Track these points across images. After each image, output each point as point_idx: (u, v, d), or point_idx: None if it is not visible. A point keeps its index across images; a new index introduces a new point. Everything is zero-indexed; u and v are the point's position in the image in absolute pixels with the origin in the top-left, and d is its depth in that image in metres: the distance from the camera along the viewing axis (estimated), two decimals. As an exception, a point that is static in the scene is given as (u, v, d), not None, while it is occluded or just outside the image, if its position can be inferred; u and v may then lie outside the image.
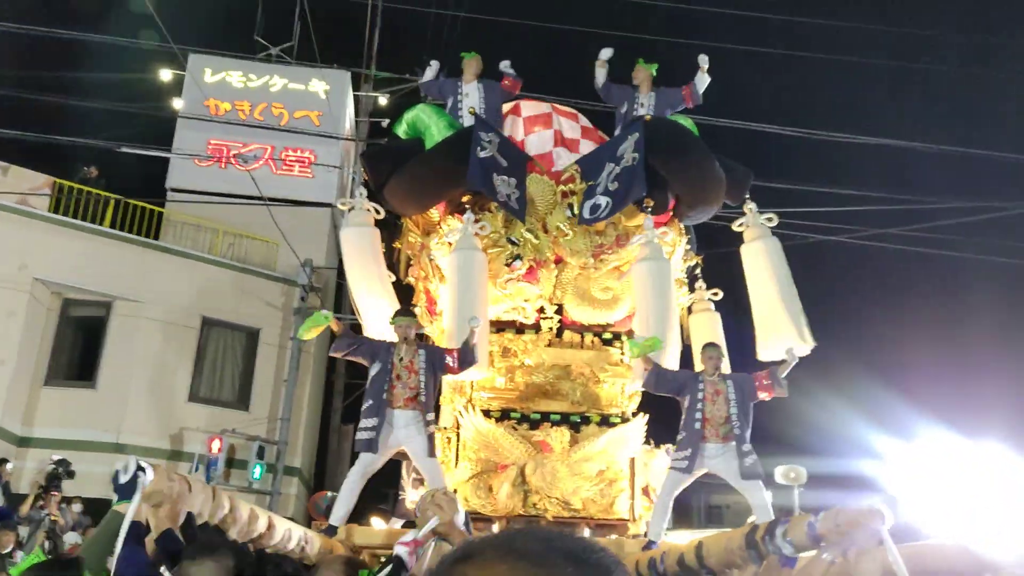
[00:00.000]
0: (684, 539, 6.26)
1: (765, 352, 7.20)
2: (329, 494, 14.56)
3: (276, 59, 19.10)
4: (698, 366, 7.07)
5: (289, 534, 4.61)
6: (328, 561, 3.15)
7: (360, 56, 18.21)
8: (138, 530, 2.83)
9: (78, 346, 15.96)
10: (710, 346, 6.74)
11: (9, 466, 12.51)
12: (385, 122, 17.87)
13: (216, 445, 14.89)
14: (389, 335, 6.84)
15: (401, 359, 6.48)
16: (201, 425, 15.50)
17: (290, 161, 17.79)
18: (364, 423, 6.42)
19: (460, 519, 3.27)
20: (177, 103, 17.86)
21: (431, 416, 6.49)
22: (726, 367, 7.37)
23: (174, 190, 17.58)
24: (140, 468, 2.62)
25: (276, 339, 16.75)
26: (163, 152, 16.72)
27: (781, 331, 7.03)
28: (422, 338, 7.48)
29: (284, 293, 17.01)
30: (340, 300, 17.05)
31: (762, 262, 7.16)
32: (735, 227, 7.35)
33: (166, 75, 17.94)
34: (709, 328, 8.26)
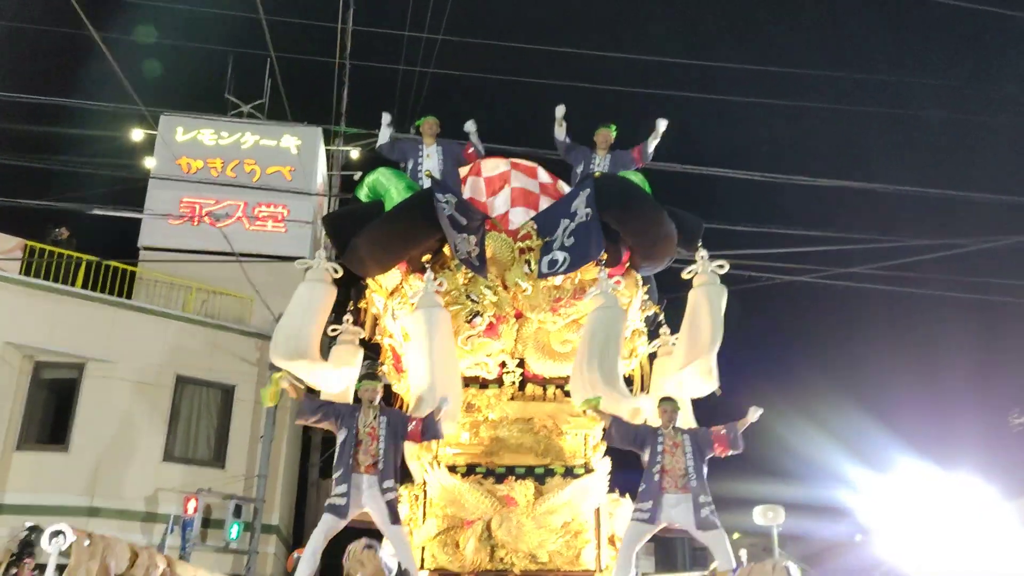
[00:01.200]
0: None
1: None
2: (296, 555, 14.58)
3: (247, 116, 19.43)
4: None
5: None
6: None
7: (330, 111, 18.57)
8: None
9: (50, 409, 15.91)
10: (665, 400, 6.96)
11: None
12: (357, 175, 18.20)
13: (192, 505, 14.81)
14: (328, 389, 7.04)
15: (365, 424, 6.60)
16: (176, 485, 15.45)
17: (263, 216, 18.03)
18: (336, 489, 6.53)
19: (387, 566, 3.40)
20: (149, 162, 18.12)
21: (389, 483, 6.51)
22: (690, 418, 7.61)
23: (147, 248, 17.72)
24: (60, 532, 2.75)
25: (251, 395, 16.78)
26: (134, 213, 16.91)
27: (696, 370, 7.24)
28: (389, 401, 7.61)
29: (259, 348, 17.08)
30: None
31: (699, 303, 7.36)
32: (684, 275, 7.61)
33: (137, 135, 18.19)
34: (672, 370, 8.44)
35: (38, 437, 15.55)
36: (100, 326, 15.61)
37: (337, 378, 7.70)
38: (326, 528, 6.47)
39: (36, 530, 12.03)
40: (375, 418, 6.66)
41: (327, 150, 19.90)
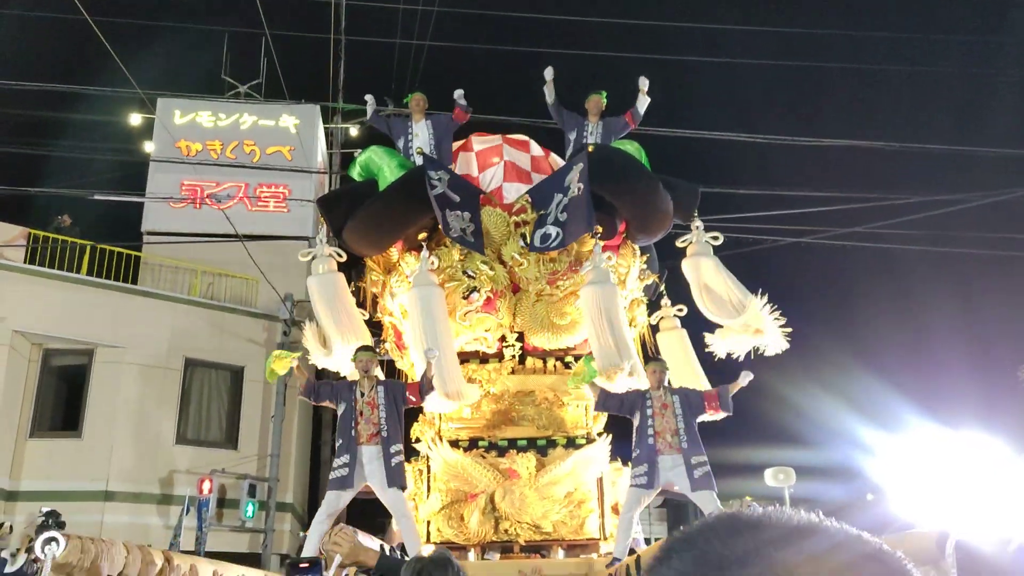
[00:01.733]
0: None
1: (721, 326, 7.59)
2: (301, 534, 14.77)
3: (245, 97, 19.41)
4: (677, 383, 7.39)
5: None
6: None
7: (327, 89, 18.52)
8: None
9: (61, 396, 16.15)
10: (654, 360, 7.06)
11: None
12: (357, 152, 18.19)
13: (206, 486, 15.04)
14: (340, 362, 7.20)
15: (363, 394, 6.72)
16: (190, 467, 15.69)
17: (264, 197, 18.08)
18: (337, 461, 6.72)
19: (366, 541, 3.49)
20: (148, 147, 18.16)
21: (395, 448, 6.67)
22: (703, 381, 7.74)
23: (150, 233, 17.82)
24: (53, 539, 2.79)
25: (260, 376, 16.86)
26: (137, 197, 16.99)
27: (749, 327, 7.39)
28: (394, 375, 7.73)
29: (266, 329, 17.24)
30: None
31: (699, 274, 7.48)
32: (679, 244, 7.65)
33: (135, 119, 18.23)
34: (677, 345, 8.57)
35: (51, 424, 15.79)
36: (107, 312, 15.76)
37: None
38: (328, 507, 6.62)
39: (53, 515, 12.24)
40: (372, 388, 6.78)
41: (326, 128, 19.89)
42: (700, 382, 8.14)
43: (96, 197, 15.31)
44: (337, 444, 6.85)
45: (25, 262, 15.71)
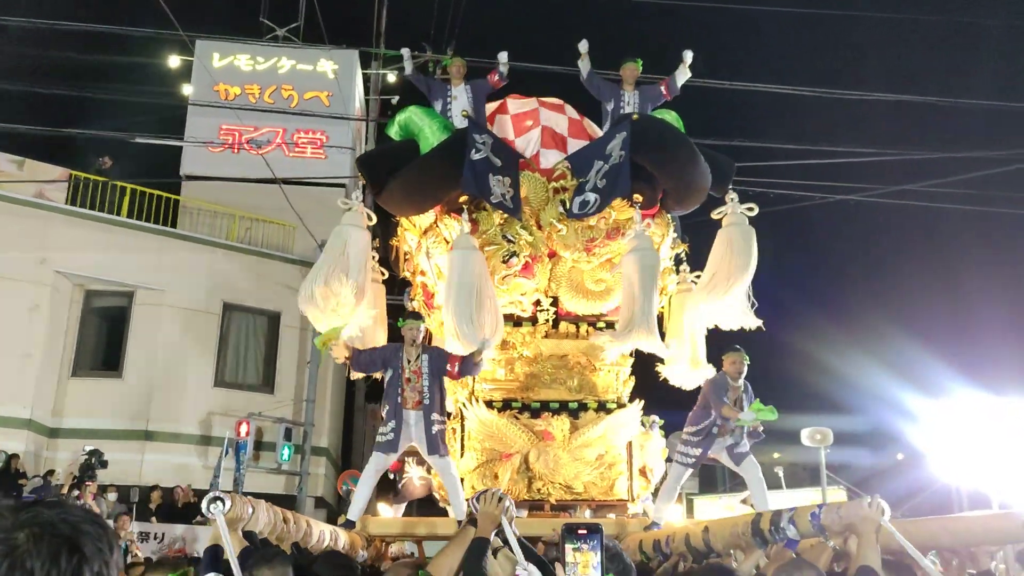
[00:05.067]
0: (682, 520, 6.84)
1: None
2: (344, 487, 15.32)
3: (283, 40, 19.60)
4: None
5: (323, 534, 5.25)
6: (395, 568, 3.57)
7: (367, 34, 18.66)
8: (218, 553, 3.12)
9: (102, 336, 16.79)
10: (737, 351, 7.19)
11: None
12: (395, 99, 18.41)
13: (244, 429, 15.58)
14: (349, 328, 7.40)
15: (410, 362, 7.00)
16: (228, 409, 16.30)
17: (302, 143, 18.39)
18: (384, 427, 7.00)
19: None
20: (187, 90, 18.48)
21: (436, 416, 6.97)
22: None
23: (188, 177, 18.23)
24: (217, 498, 3.06)
25: (297, 322, 17.42)
26: (176, 140, 17.37)
27: (730, 307, 7.56)
28: (429, 340, 7.99)
29: (303, 275, 17.48)
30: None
31: (729, 244, 7.60)
32: (714, 215, 7.82)
33: (174, 62, 18.53)
34: (689, 308, 8.72)
35: (92, 364, 16.47)
36: (147, 255, 16.28)
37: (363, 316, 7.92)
38: (376, 466, 7.02)
39: (96, 454, 12.83)
40: (418, 357, 7.05)
41: (364, 74, 20.05)
42: (698, 349, 8.32)
43: (137, 140, 15.66)
44: (384, 410, 7.12)
45: (67, 203, 16.17)
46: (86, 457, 12.71)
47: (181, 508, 13.98)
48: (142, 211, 16.79)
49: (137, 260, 16.17)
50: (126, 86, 17.73)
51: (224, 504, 3.01)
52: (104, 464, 12.84)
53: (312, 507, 16.77)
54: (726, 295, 7.40)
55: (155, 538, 12.97)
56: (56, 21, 15.95)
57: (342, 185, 18.76)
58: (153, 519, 13.47)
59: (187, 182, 18.24)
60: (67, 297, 16.13)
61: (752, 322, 7.65)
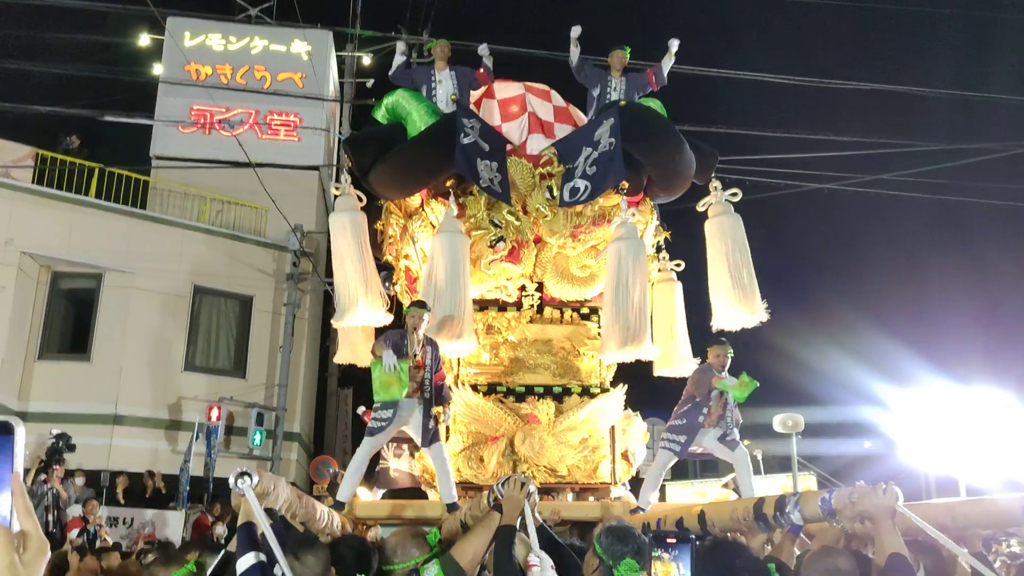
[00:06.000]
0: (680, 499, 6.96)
1: (719, 321, 7.94)
2: (331, 469, 15.36)
3: (256, 20, 19.42)
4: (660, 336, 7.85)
5: (323, 514, 5.30)
6: (401, 536, 3.52)
7: (340, 15, 18.56)
8: (252, 531, 3.09)
9: (70, 319, 16.59)
10: (722, 344, 7.37)
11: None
12: (370, 82, 18.33)
13: (215, 413, 15.51)
14: (362, 318, 7.49)
15: (414, 353, 6.95)
16: (199, 394, 16.23)
17: (275, 125, 18.26)
18: (380, 413, 6.95)
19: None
20: (157, 69, 18.27)
21: (433, 411, 7.00)
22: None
23: (159, 158, 18.04)
24: (245, 473, 3.04)
25: (269, 306, 17.41)
26: (146, 120, 17.17)
27: (735, 303, 7.75)
28: (399, 317, 8.02)
29: (275, 259, 17.62)
30: (331, 265, 17.63)
31: (720, 237, 7.81)
32: (699, 207, 7.99)
33: (145, 40, 18.30)
34: (669, 297, 8.92)
35: (59, 347, 16.28)
36: (117, 236, 16.11)
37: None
38: (369, 448, 7.04)
39: (63, 437, 12.72)
40: (421, 347, 7.04)
41: (338, 56, 19.94)
42: (680, 339, 8.50)
43: (106, 119, 15.46)
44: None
45: (33, 183, 15.93)
46: (53, 441, 12.60)
47: (150, 494, 13.91)
48: (111, 192, 16.60)
49: (106, 242, 15.99)
50: (95, 64, 17.47)
51: (252, 479, 3.03)
52: (72, 448, 12.73)
53: (284, 492, 16.76)
54: (740, 291, 7.60)
55: (124, 523, 12.93)
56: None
57: (315, 168, 18.70)
58: (121, 503, 13.40)
59: (157, 162, 18.03)
60: (33, 279, 15.94)
61: (762, 316, 7.85)
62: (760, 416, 16.53)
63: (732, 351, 7.33)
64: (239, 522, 3.14)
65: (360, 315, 7.80)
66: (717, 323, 7.96)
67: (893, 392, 17.68)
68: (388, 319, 8.10)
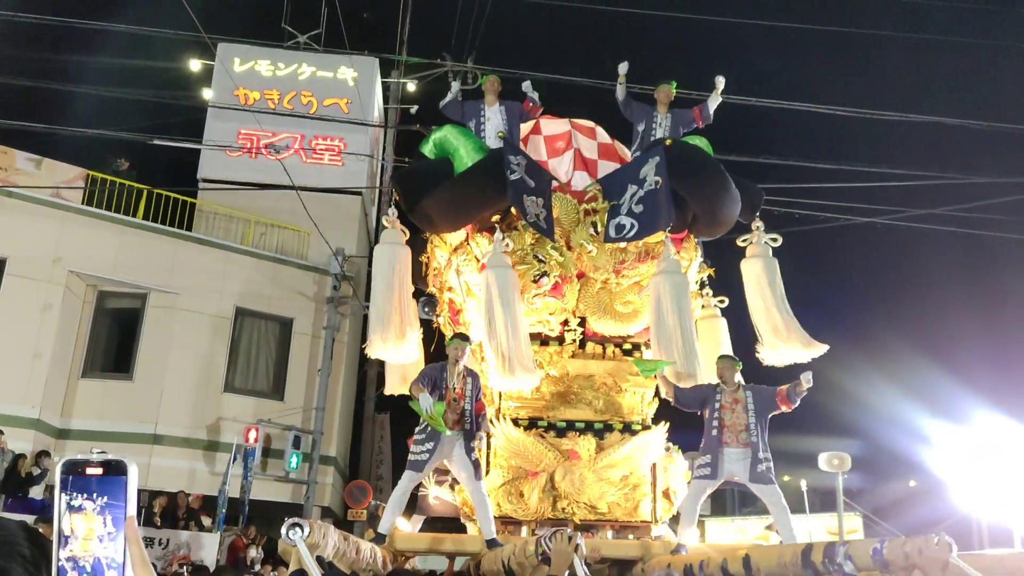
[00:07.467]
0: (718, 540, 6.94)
1: (771, 356, 8.08)
2: (373, 502, 15.47)
3: (304, 47, 19.85)
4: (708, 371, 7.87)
5: (365, 552, 5.42)
6: None
7: (387, 42, 18.89)
8: None
9: (114, 338, 16.94)
10: (726, 357, 7.47)
11: (55, 459, 13.46)
12: (414, 108, 18.63)
13: (252, 435, 15.77)
14: (393, 349, 7.63)
15: (453, 386, 7.10)
16: (237, 415, 16.46)
17: (320, 150, 18.60)
18: (420, 447, 7.08)
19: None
20: (207, 93, 18.71)
21: (474, 443, 7.13)
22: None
23: (205, 180, 18.43)
24: (296, 525, 3.16)
25: (309, 329, 17.65)
26: (194, 144, 17.56)
27: (772, 347, 7.84)
28: (441, 350, 8.17)
29: (316, 282, 17.89)
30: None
31: (755, 281, 7.92)
32: (740, 242, 8.07)
33: (195, 65, 18.77)
34: (714, 333, 9.02)
35: (103, 365, 16.61)
36: (162, 257, 16.47)
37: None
38: (409, 482, 7.15)
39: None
40: (461, 378, 7.17)
41: (384, 82, 20.28)
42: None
43: (155, 142, 15.86)
44: (420, 426, 7.17)
45: (83, 203, 16.34)
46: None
47: (183, 514, 14.06)
48: (158, 213, 16.98)
49: (152, 262, 16.34)
50: (146, 88, 17.96)
51: (303, 530, 3.15)
52: (110, 465, 12.92)
53: (319, 517, 16.91)
54: (775, 333, 7.67)
55: (159, 544, 13.13)
56: (70, 19, 16.20)
57: (358, 193, 18.98)
58: (158, 524, 13.58)
59: (204, 184, 18.42)
60: (80, 297, 16.29)
61: (817, 350, 7.92)
62: (805, 444, 16.36)
63: (740, 364, 7.50)
64: (290, 568, 3.25)
65: (386, 352, 7.96)
66: (766, 359, 8.06)
67: (943, 427, 17.36)
68: (416, 356, 8.27)
